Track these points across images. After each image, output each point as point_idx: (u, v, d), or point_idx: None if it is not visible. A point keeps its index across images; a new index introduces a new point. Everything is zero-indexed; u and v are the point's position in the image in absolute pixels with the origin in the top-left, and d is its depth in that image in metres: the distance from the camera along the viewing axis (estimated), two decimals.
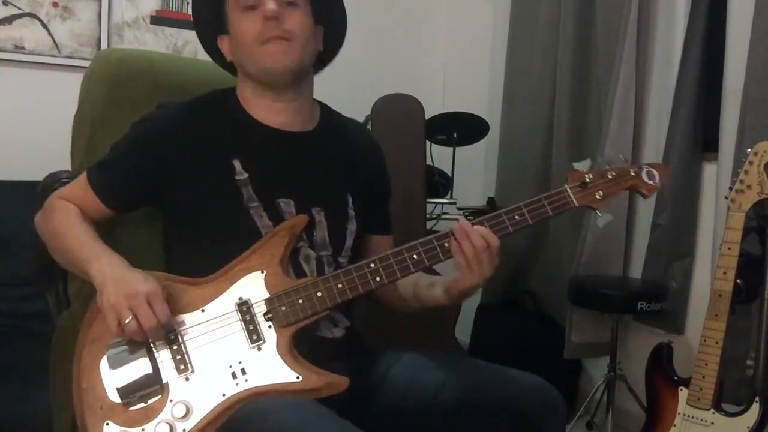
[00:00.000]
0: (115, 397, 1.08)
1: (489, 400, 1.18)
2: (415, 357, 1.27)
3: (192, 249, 1.23)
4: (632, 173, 1.24)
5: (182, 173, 1.22)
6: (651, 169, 1.26)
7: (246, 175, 1.22)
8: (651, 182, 1.25)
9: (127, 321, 1.05)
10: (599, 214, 1.24)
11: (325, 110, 1.38)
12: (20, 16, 2.61)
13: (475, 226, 1.15)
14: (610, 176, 1.22)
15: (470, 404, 1.18)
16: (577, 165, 1.24)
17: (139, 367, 1.09)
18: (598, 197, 1.21)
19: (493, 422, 1.17)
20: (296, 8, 1.24)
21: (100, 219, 1.26)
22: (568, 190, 1.21)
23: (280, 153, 1.26)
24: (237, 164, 1.22)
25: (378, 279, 1.15)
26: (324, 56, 1.35)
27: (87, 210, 1.24)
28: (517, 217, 1.18)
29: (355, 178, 1.34)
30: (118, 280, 1.08)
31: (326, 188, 1.28)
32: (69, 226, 1.21)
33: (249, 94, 1.29)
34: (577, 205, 1.20)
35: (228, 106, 1.29)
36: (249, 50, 1.23)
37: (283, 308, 1.13)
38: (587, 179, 1.21)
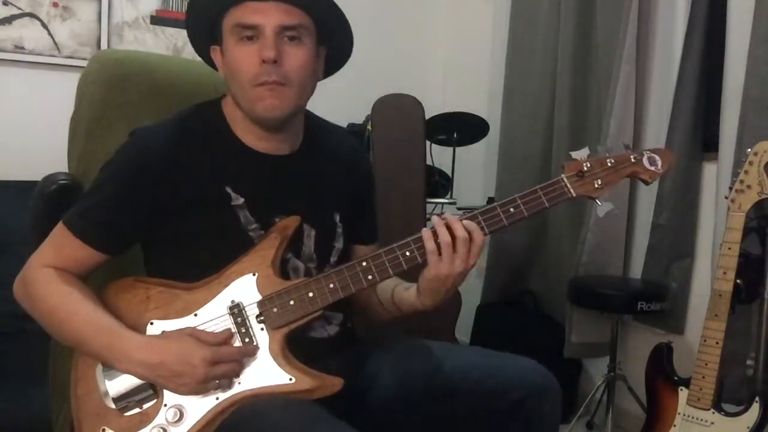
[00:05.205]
0: (110, 403, 1.08)
1: (483, 384, 1.18)
2: (408, 345, 1.28)
3: (191, 276, 1.16)
4: (632, 159, 1.20)
5: (178, 205, 1.16)
6: (652, 154, 1.22)
7: (242, 199, 1.18)
8: (653, 168, 1.20)
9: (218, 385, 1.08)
10: (599, 203, 1.21)
11: (308, 122, 1.30)
12: (20, 16, 2.61)
13: (464, 221, 1.13)
14: (609, 164, 1.19)
15: (464, 389, 1.18)
16: (574, 154, 1.20)
17: None
18: (596, 186, 1.18)
19: (488, 405, 1.17)
20: (299, 45, 1.15)
21: (92, 270, 1.18)
22: (565, 179, 1.18)
23: (269, 177, 1.22)
24: (230, 190, 1.18)
25: (370, 277, 1.13)
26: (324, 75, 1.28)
27: (77, 267, 1.16)
28: (512, 209, 1.15)
29: (342, 193, 1.31)
30: (173, 368, 1.05)
31: (314, 209, 1.25)
32: (66, 309, 1.11)
33: (238, 117, 1.21)
34: (574, 195, 1.17)
35: (215, 130, 1.21)
36: (241, 87, 1.15)
37: (275, 310, 1.12)
38: (585, 168, 1.18)
